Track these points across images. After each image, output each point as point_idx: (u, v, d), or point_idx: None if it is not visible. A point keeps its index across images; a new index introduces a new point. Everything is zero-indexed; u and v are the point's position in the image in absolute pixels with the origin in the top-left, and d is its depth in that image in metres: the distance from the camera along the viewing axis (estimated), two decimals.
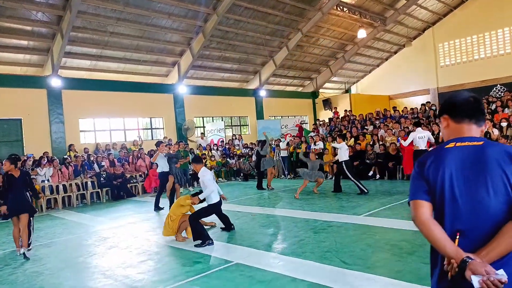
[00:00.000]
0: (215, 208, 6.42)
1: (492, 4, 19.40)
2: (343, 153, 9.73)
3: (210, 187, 6.21)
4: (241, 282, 4.23)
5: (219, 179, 15.35)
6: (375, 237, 5.50)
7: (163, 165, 9.71)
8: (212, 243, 5.84)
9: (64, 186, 11.84)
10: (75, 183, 12.12)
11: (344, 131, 14.90)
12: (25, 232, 6.16)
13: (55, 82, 13.58)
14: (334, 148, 10.79)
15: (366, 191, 9.41)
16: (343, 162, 9.70)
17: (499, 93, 18.13)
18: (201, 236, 5.92)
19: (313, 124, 19.74)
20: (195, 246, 5.83)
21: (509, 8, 18.75)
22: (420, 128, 8.75)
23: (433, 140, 9.28)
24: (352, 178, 9.60)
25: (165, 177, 9.68)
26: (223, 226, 6.78)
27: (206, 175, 6.35)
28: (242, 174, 15.66)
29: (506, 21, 19.14)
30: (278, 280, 4.18)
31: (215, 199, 6.32)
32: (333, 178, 10.81)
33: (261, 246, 5.56)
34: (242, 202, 9.96)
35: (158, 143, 9.82)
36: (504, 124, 10.96)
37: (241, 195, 11.13)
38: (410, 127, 12.66)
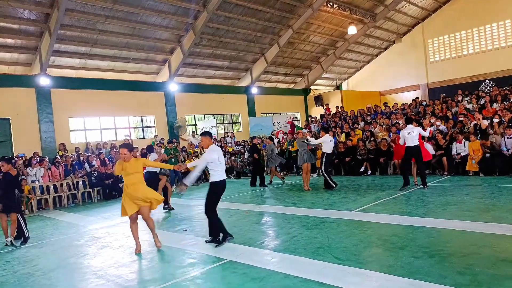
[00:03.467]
0: (219, 188, 5.59)
1: (480, 0, 19.61)
2: (326, 146, 9.90)
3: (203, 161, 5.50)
4: (235, 279, 4.23)
5: None
6: (367, 232, 5.53)
7: None
8: (231, 238, 5.59)
9: (54, 186, 11.71)
10: (66, 183, 12.00)
11: (334, 127, 14.94)
12: (14, 225, 6.89)
13: (44, 81, 13.41)
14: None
15: (334, 186, 9.74)
16: (324, 154, 9.91)
17: (488, 88, 18.36)
18: (222, 231, 5.59)
19: (305, 121, 19.77)
20: (216, 246, 5.52)
21: (497, 3, 18.98)
22: (410, 125, 8.72)
23: (425, 133, 9.22)
24: (323, 171, 9.84)
25: (152, 177, 9.59)
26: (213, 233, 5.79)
27: (209, 152, 5.55)
28: (234, 172, 15.64)
29: (494, 16, 19.38)
30: (272, 277, 4.19)
31: (219, 177, 5.53)
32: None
33: (254, 243, 5.56)
34: (235, 199, 9.96)
35: (150, 148, 9.83)
36: (485, 121, 10.88)
37: (234, 193, 11.11)
38: (400, 122, 12.76)
